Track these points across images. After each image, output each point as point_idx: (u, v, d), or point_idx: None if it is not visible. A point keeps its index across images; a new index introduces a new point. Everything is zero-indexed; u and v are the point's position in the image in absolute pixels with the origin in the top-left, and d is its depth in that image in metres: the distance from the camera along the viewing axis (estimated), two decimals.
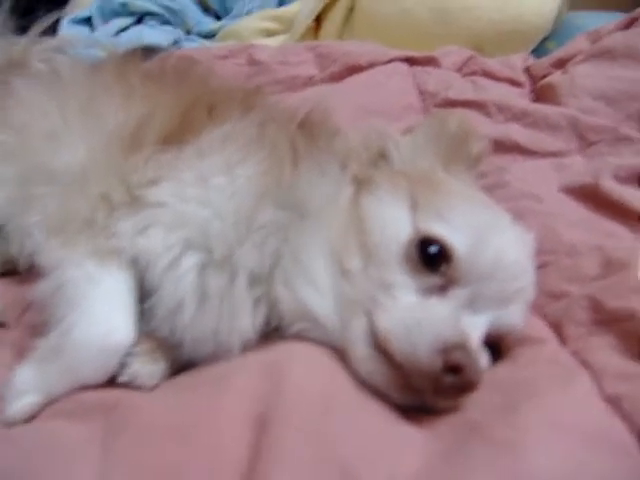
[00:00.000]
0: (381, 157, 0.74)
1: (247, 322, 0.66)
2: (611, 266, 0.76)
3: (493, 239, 0.64)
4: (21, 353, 0.71)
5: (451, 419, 0.59)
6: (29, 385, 0.65)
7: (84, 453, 0.55)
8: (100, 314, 0.66)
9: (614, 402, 0.58)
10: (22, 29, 1.36)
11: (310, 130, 0.77)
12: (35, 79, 1.04)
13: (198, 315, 0.67)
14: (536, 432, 0.53)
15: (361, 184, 0.70)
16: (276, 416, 0.53)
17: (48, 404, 0.65)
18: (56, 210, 0.75)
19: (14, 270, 0.95)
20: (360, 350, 0.61)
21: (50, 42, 1.45)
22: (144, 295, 0.70)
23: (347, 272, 0.65)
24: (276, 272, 0.67)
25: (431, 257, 0.63)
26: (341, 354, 0.63)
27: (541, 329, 0.72)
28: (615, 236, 0.85)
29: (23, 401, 0.64)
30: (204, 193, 0.70)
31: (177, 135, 0.76)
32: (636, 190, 0.94)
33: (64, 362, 0.65)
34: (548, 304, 0.75)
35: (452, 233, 0.64)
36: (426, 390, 0.58)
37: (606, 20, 1.98)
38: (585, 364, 0.64)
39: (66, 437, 0.59)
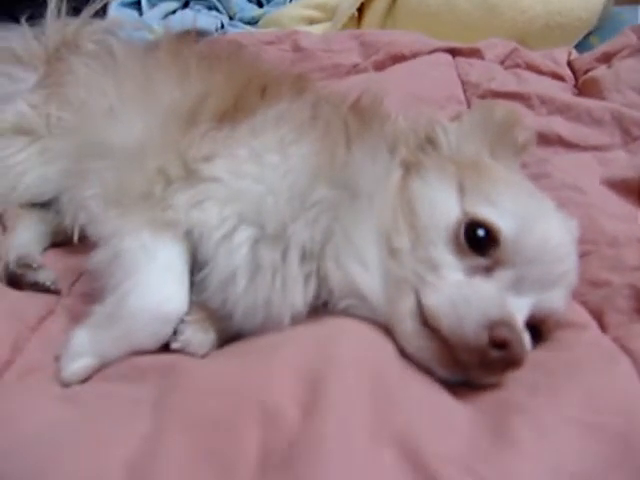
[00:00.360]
0: (429, 142, 0.75)
1: (298, 296, 0.68)
2: None
3: (538, 224, 0.66)
4: (75, 319, 0.74)
5: (494, 396, 0.61)
6: (85, 348, 0.68)
7: (137, 411, 0.58)
8: (155, 283, 0.69)
9: None
10: (74, 11, 1.40)
11: (362, 113, 0.79)
12: (91, 58, 1.07)
13: (250, 287, 0.69)
14: (577, 414, 0.55)
15: (410, 168, 0.72)
16: (329, 379, 0.54)
17: (102, 367, 0.68)
18: (113, 183, 0.78)
19: (65, 241, 1.00)
20: (408, 326, 0.64)
21: (100, 24, 1.49)
22: (197, 267, 0.73)
23: (395, 251, 0.67)
24: (327, 249, 0.69)
25: (478, 240, 0.65)
26: (388, 331, 0.65)
27: (582, 315, 0.73)
28: None
29: (79, 363, 0.67)
30: (258, 170, 0.72)
31: (231, 114, 0.79)
32: None
33: (119, 328, 0.68)
34: (589, 292, 0.76)
35: (499, 217, 0.65)
36: (472, 365, 0.60)
37: None
38: (626, 350, 0.66)
39: (120, 397, 0.62)
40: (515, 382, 0.62)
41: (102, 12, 1.79)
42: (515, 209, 0.67)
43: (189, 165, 0.74)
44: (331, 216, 0.70)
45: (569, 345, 0.67)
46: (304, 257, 0.69)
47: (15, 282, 0.87)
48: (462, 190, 0.69)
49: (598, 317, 0.73)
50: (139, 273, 0.69)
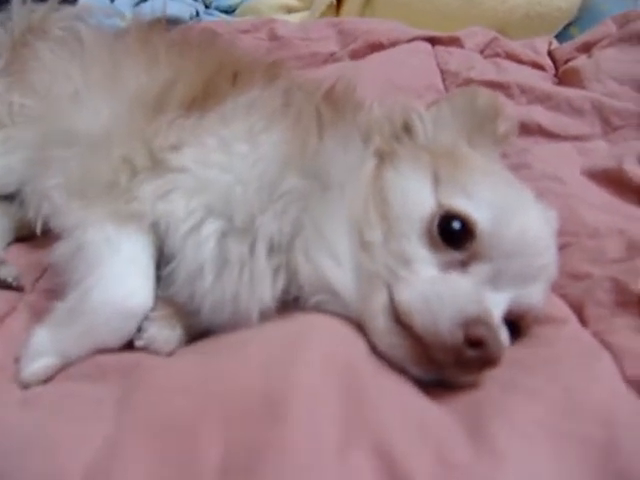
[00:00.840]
0: (405, 131, 0.72)
1: (266, 290, 0.65)
2: (634, 249, 0.75)
3: (517, 216, 0.63)
4: (38, 316, 0.71)
5: (469, 396, 0.58)
6: (46, 347, 0.65)
7: (99, 411, 0.55)
8: (119, 277, 0.66)
9: (635, 384, 0.58)
10: None
11: (335, 101, 0.76)
12: (57, 43, 1.04)
13: (217, 282, 0.66)
14: (555, 418, 0.53)
15: (384, 157, 0.70)
16: (297, 377, 0.52)
17: (64, 367, 0.65)
18: (77, 172, 0.75)
19: (28, 236, 0.96)
20: (380, 323, 0.61)
21: (69, 10, 1.44)
22: (163, 261, 0.70)
23: (367, 244, 0.64)
24: (296, 242, 0.66)
25: (453, 233, 0.62)
26: (360, 327, 0.63)
27: (562, 309, 0.71)
28: (638, 220, 0.84)
29: (39, 363, 0.65)
30: (227, 159, 0.69)
31: (200, 101, 0.76)
32: None
33: (81, 324, 0.65)
34: (569, 284, 0.74)
35: (475, 209, 0.63)
36: (447, 364, 0.57)
37: (629, 5, 1.96)
38: (606, 345, 0.64)
39: (83, 396, 0.60)
40: (491, 380, 0.59)
41: None
42: (492, 200, 0.64)
43: (155, 154, 0.71)
44: (301, 207, 0.67)
45: (548, 341, 0.65)
46: (272, 250, 0.67)
47: None
48: (437, 180, 0.66)
49: (578, 311, 0.71)
50: (102, 267, 0.66)
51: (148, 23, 1.09)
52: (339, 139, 0.70)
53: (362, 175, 0.68)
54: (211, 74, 0.81)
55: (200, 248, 0.67)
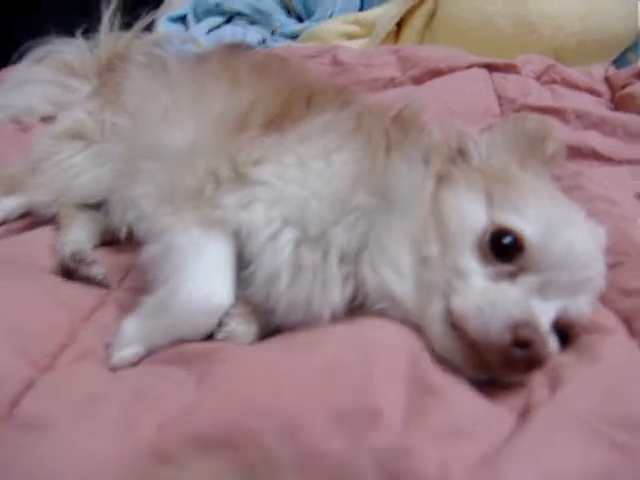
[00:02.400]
0: (460, 154, 0.78)
1: (337, 295, 0.72)
2: None
3: (564, 230, 0.69)
4: (124, 310, 0.79)
5: (517, 394, 0.64)
6: (134, 337, 0.73)
7: (180, 387, 0.62)
8: (203, 278, 0.73)
9: None
10: (126, 25, 1.49)
11: (402, 125, 0.83)
12: (145, 68, 1.14)
13: (292, 285, 0.73)
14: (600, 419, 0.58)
15: (441, 179, 0.76)
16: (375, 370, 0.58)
17: (149, 355, 0.73)
18: (165, 182, 0.83)
19: (113, 241, 1.06)
20: (438, 328, 0.67)
21: (150, 37, 1.57)
22: (243, 264, 0.77)
23: (426, 259, 0.71)
24: (364, 255, 0.73)
25: (504, 247, 0.68)
26: (419, 332, 0.69)
27: (611, 320, 0.75)
28: None
29: (127, 351, 0.72)
30: (303, 175, 0.76)
31: (278, 121, 0.83)
32: None
33: (168, 318, 0.72)
34: (620, 300, 0.78)
35: (525, 224, 0.68)
36: (497, 364, 0.63)
37: None
38: None
39: (165, 376, 0.66)
40: (537, 382, 0.65)
41: (150, 27, 1.88)
42: (541, 216, 0.69)
43: (238, 168, 0.78)
44: (368, 223, 0.74)
45: (596, 348, 0.69)
46: (343, 259, 0.74)
47: (69, 275, 0.92)
48: (490, 200, 0.72)
49: (628, 323, 0.75)
50: (189, 268, 0.73)
51: (228, 48, 1.18)
52: (404, 160, 0.77)
53: (423, 195, 0.74)
54: (288, 96, 0.89)
55: (277, 254, 0.74)
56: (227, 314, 0.74)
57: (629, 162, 1.13)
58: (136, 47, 1.45)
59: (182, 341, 0.73)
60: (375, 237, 0.73)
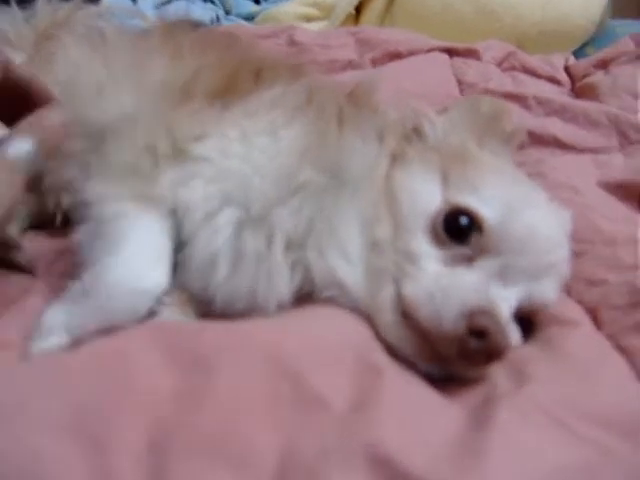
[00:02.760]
0: (415, 133, 0.74)
1: (283, 284, 0.66)
2: None
3: (526, 211, 0.64)
4: (51, 298, 0.71)
5: (479, 389, 0.58)
6: (56, 325, 0.65)
7: None
8: (136, 258, 0.67)
9: None
10: None
11: (356, 102, 0.77)
12: (82, 38, 1.05)
13: (233, 273, 0.67)
14: (563, 414, 0.53)
15: (395, 158, 0.71)
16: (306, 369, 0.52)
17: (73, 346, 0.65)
18: (98, 156, 0.76)
19: (44, 224, 0.96)
20: (388, 316, 0.62)
21: (93, 9, 1.47)
22: (180, 247, 0.70)
23: (377, 242, 0.65)
24: (310, 239, 0.67)
25: (460, 228, 0.63)
26: (369, 322, 0.63)
27: (577, 312, 0.71)
28: None
29: (49, 341, 0.64)
30: (247, 150, 0.70)
31: (223, 94, 0.77)
32: None
33: (94, 302, 0.65)
34: (585, 291, 0.74)
35: (483, 204, 0.63)
36: (452, 357, 0.58)
37: None
38: (620, 348, 0.64)
39: None
40: (500, 375, 0.60)
41: None
42: (501, 196, 0.64)
43: (178, 143, 0.72)
44: (316, 204, 0.68)
45: (561, 341, 0.65)
46: (289, 246, 0.67)
47: None
48: (446, 180, 0.67)
49: (594, 314, 0.71)
50: (120, 245, 0.67)
51: (172, 23, 1.11)
52: (357, 137, 0.71)
53: (375, 174, 0.69)
54: (234, 69, 0.82)
55: (215, 236, 0.67)
56: (161, 302, 0.67)
57: (591, 150, 1.10)
58: (77, 18, 1.35)
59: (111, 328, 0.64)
60: (323, 218, 0.67)
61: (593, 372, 0.60)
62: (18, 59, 1.23)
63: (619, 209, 0.94)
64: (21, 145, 0.83)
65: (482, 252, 0.62)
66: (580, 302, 0.73)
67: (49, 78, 0.99)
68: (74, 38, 1.07)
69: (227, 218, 0.68)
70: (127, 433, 0.46)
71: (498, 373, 0.60)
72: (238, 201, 0.68)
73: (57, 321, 0.65)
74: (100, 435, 0.45)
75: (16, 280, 0.79)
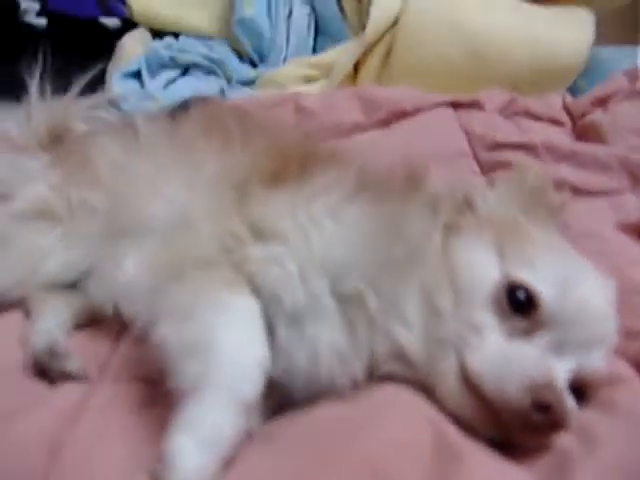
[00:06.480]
0: (467, 205, 0.77)
1: (360, 365, 0.69)
2: None
3: (578, 286, 0.68)
4: (116, 406, 0.72)
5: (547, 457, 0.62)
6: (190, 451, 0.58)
7: None
8: (244, 339, 0.65)
9: None
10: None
11: (406, 179, 0.81)
12: (116, 135, 1.05)
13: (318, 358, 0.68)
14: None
15: (450, 229, 0.74)
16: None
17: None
18: (162, 256, 0.77)
19: (89, 323, 0.95)
20: (451, 384, 0.66)
21: (89, 100, 1.45)
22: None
23: (437, 311, 0.69)
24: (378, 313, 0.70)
25: (518, 302, 0.67)
26: (430, 391, 0.67)
27: (622, 367, 0.74)
28: None
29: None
30: (321, 233, 0.72)
31: (279, 181, 0.81)
32: None
33: (219, 392, 0.61)
34: (627, 344, 0.77)
35: (539, 280, 0.67)
36: (515, 427, 0.62)
37: (629, 54, 2.03)
38: None
39: None
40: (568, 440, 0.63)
41: (97, 87, 1.77)
42: (554, 271, 0.69)
43: (257, 225, 0.74)
44: (385, 279, 0.71)
45: (616, 400, 0.68)
46: (370, 323, 0.69)
47: (43, 372, 0.82)
48: (501, 252, 0.71)
49: (638, 367, 0.74)
50: (227, 333, 0.65)
51: (209, 107, 1.14)
52: (413, 212, 0.75)
53: (432, 246, 0.73)
54: (283, 159, 0.87)
55: (322, 316, 0.69)
56: None
57: (605, 193, 1.15)
58: (79, 111, 1.34)
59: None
60: (384, 290, 0.70)
61: None
62: (32, 162, 1.16)
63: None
64: None
65: (538, 326, 0.66)
66: (623, 355, 0.77)
67: (86, 180, 0.98)
68: (107, 136, 1.06)
69: (328, 299, 0.70)
70: None
71: (565, 439, 0.63)
72: (332, 281, 0.70)
73: (189, 449, 0.58)
74: None
75: (75, 391, 0.77)
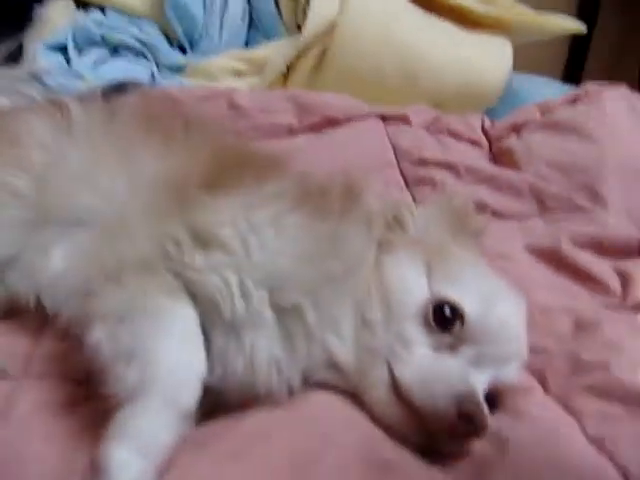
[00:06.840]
0: (398, 224, 0.83)
1: (297, 372, 0.72)
2: (581, 325, 0.89)
3: (498, 305, 0.76)
4: (44, 405, 0.70)
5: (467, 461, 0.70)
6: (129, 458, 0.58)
7: None
8: (182, 348, 0.66)
9: (598, 442, 0.71)
10: None
11: (346, 192, 0.84)
12: (46, 117, 1.00)
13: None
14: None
15: (382, 246, 0.80)
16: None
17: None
18: (99, 255, 0.77)
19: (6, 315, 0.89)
20: (381, 394, 0.71)
21: (14, 72, 1.38)
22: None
23: (368, 323, 0.74)
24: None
25: (445, 318, 0.73)
26: (360, 399, 0.72)
27: (527, 378, 0.83)
28: (578, 298, 0.98)
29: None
30: (262, 241, 0.74)
31: (217, 186, 0.81)
32: (592, 257, 1.09)
33: (155, 400, 0.62)
34: (531, 358, 0.86)
35: (464, 298, 0.74)
36: (439, 434, 0.68)
37: (538, 82, 2.20)
38: (568, 408, 0.77)
39: None
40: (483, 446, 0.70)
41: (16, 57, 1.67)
42: (477, 291, 0.76)
43: (198, 231, 0.74)
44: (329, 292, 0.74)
45: (523, 407, 0.77)
46: (308, 333, 0.73)
47: None
48: (429, 271, 0.77)
49: (541, 380, 0.83)
50: (165, 338, 0.66)
51: (147, 98, 1.11)
52: (350, 226, 0.79)
53: (366, 260, 0.78)
54: (224, 162, 0.88)
55: (260, 323, 0.71)
56: None
57: (515, 217, 1.25)
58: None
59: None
60: (320, 302, 0.73)
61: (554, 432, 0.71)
62: None
63: (545, 275, 1.09)
64: None
65: (462, 341, 0.73)
66: (528, 368, 0.85)
67: (14, 164, 0.92)
68: (35, 116, 1.00)
69: (266, 307, 0.72)
70: None
71: (481, 444, 0.71)
72: (271, 290, 0.73)
73: (126, 456, 0.58)
74: None
75: None
